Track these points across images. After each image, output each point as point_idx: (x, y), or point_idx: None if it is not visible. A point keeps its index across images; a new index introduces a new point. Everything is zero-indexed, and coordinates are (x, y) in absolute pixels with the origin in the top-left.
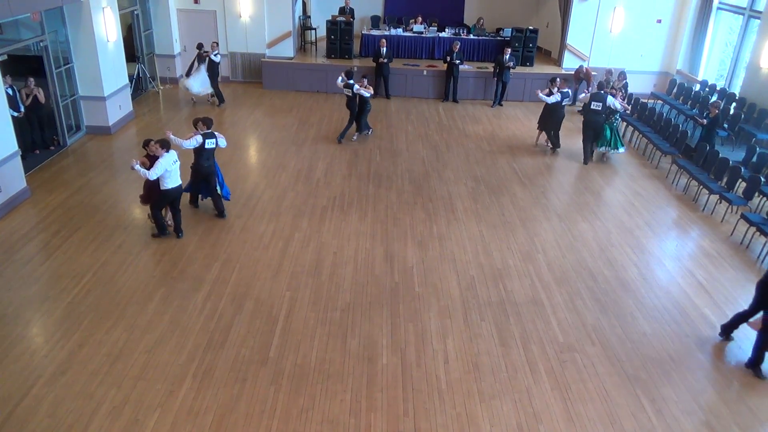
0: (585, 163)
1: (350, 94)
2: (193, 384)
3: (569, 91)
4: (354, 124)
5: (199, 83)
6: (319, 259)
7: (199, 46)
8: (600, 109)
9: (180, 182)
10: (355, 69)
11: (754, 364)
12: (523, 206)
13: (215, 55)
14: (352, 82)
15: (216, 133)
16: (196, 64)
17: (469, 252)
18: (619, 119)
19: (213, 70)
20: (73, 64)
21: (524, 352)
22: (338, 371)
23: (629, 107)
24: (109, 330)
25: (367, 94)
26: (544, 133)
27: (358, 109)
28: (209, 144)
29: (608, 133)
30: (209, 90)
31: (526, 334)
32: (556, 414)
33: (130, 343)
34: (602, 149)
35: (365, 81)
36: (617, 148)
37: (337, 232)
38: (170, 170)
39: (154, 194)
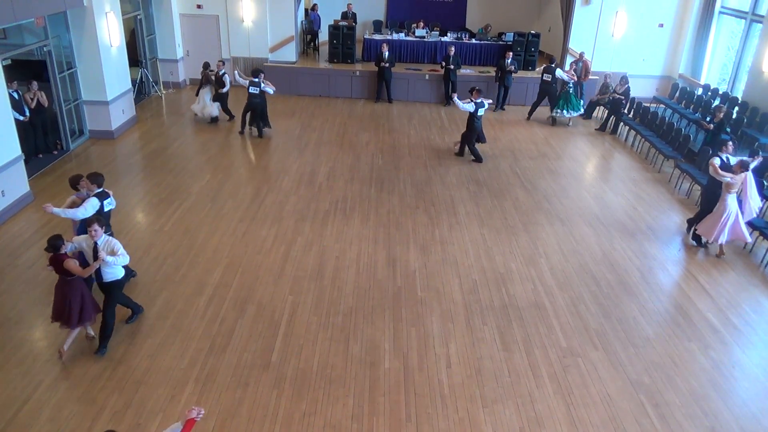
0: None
1: (257, 92)
2: (195, 389)
3: (483, 101)
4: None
5: (205, 104)
6: (321, 264)
7: (205, 66)
8: (550, 80)
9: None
10: (357, 73)
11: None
12: (526, 210)
13: (223, 74)
14: (257, 80)
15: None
16: (202, 84)
17: (471, 256)
18: (572, 88)
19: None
20: (76, 68)
21: (527, 357)
22: (340, 376)
23: (575, 77)
24: (111, 334)
25: (271, 90)
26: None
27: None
28: (109, 205)
29: (561, 101)
30: (213, 112)
31: (528, 338)
32: (558, 419)
33: (132, 348)
34: (554, 113)
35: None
36: (568, 112)
37: (340, 236)
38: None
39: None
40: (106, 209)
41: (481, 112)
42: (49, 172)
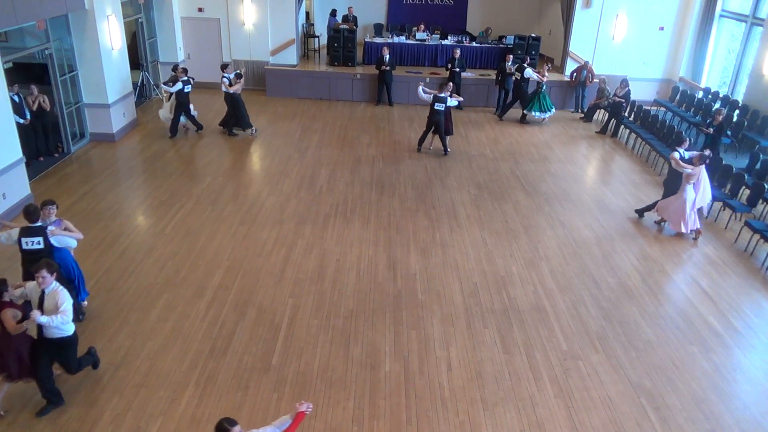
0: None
1: (442, 108)
2: (195, 392)
3: (447, 98)
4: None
5: (167, 109)
6: (321, 266)
7: (174, 68)
8: (520, 78)
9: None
10: (358, 77)
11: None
12: (526, 213)
13: (185, 83)
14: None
15: (49, 226)
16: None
17: (471, 259)
18: (544, 87)
19: (181, 99)
20: (77, 71)
21: (527, 360)
22: (341, 379)
23: (544, 78)
24: (112, 337)
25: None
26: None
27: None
28: (28, 244)
29: (534, 101)
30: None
31: (529, 341)
32: (559, 422)
33: (132, 351)
34: (525, 112)
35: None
36: (541, 112)
37: (340, 239)
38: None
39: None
40: (25, 248)
41: (439, 106)
42: (50, 175)
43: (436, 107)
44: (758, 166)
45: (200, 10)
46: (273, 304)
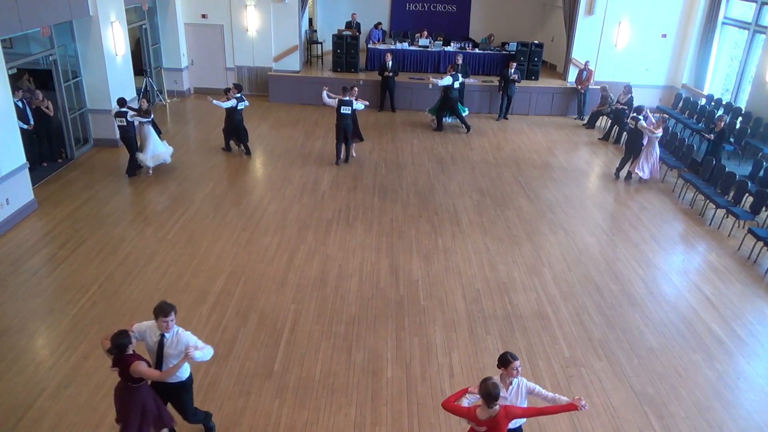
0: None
1: (349, 112)
2: (197, 397)
3: (353, 101)
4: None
5: (151, 148)
6: (324, 272)
7: (227, 91)
8: (458, 87)
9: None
10: (360, 83)
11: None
12: (529, 219)
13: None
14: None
15: None
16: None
17: (474, 265)
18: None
19: (127, 134)
20: (81, 77)
21: (530, 367)
22: (343, 385)
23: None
24: None
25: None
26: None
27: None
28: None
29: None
30: (160, 155)
31: (531, 348)
32: (562, 429)
33: None
34: (434, 115)
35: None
36: (451, 117)
37: (342, 244)
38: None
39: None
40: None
41: (345, 110)
42: (53, 180)
43: (342, 111)
44: (761, 173)
45: (204, 16)
46: (275, 309)
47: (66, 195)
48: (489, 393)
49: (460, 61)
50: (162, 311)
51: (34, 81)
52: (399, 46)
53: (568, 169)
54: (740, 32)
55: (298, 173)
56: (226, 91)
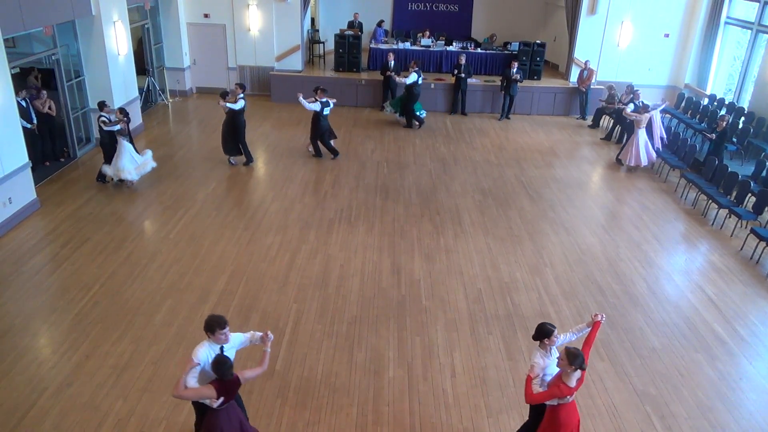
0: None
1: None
2: None
3: (329, 101)
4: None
5: (128, 161)
6: (326, 272)
7: (101, 106)
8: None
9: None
10: (363, 82)
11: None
12: (531, 219)
13: (324, 105)
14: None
15: None
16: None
17: (476, 265)
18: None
19: (106, 140)
20: (84, 77)
21: None
22: (344, 384)
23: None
24: (116, 341)
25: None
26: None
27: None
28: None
29: (396, 100)
30: (132, 170)
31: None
32: None
33: (136, 355)
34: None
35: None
36: (394, 109)
37: (344, 244)
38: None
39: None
40: None
41: (326, 111)
42: (55, 180)
43: (326, 112)
44: (764, 173)
45: (206, 16)
46: (277, 309)
47: (68, 194)
48: (578, 356)
49: (463, 62)
50: (219, 324)
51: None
52: (401, 45)
53: (570, 169)
54: (743, 32)
55: (300, 173)
56: (224, 94)
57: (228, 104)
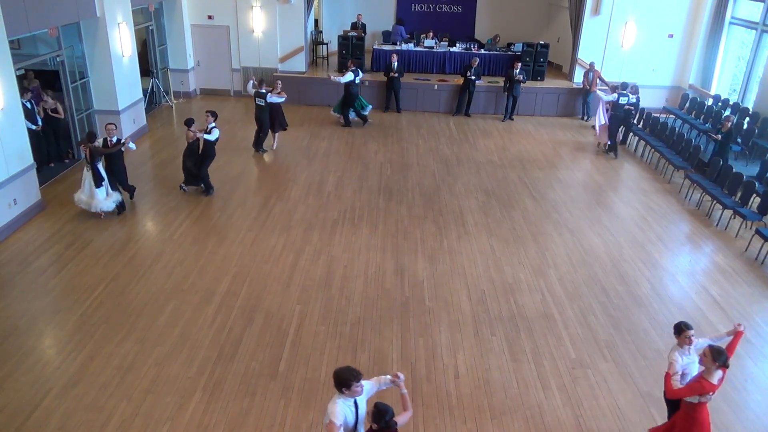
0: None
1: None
2: (202, 397)
3: (358, 70)
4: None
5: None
6: (329, 273)
7: (89, 137)
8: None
9: None
10: (366, 83)
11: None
12: (534, 220)
13: (355, 73)
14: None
15: None
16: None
17: (479, 266)
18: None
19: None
20: (88, 78)
21: (535, 368)
22: None
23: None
24: (120, 342)
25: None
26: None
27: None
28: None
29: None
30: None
31: (537, 349)
32: (567, 431)
33: (140, 356)
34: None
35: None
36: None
37: (348, 245)
38: None
39: None
40: None
41: (357, 79)
42: (60, 181)
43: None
44: None
45: (210, 17)
46: (280, 310)
47: (73, 195)
48: (722, 353)
49: (476, 64)
50: (355, 377)
51: (42, 82)
52: (404, 46)
53: (574, 169)
54: (747, 32)
55: (304, 174)
56: (189, 122)
57: (204, 135)
